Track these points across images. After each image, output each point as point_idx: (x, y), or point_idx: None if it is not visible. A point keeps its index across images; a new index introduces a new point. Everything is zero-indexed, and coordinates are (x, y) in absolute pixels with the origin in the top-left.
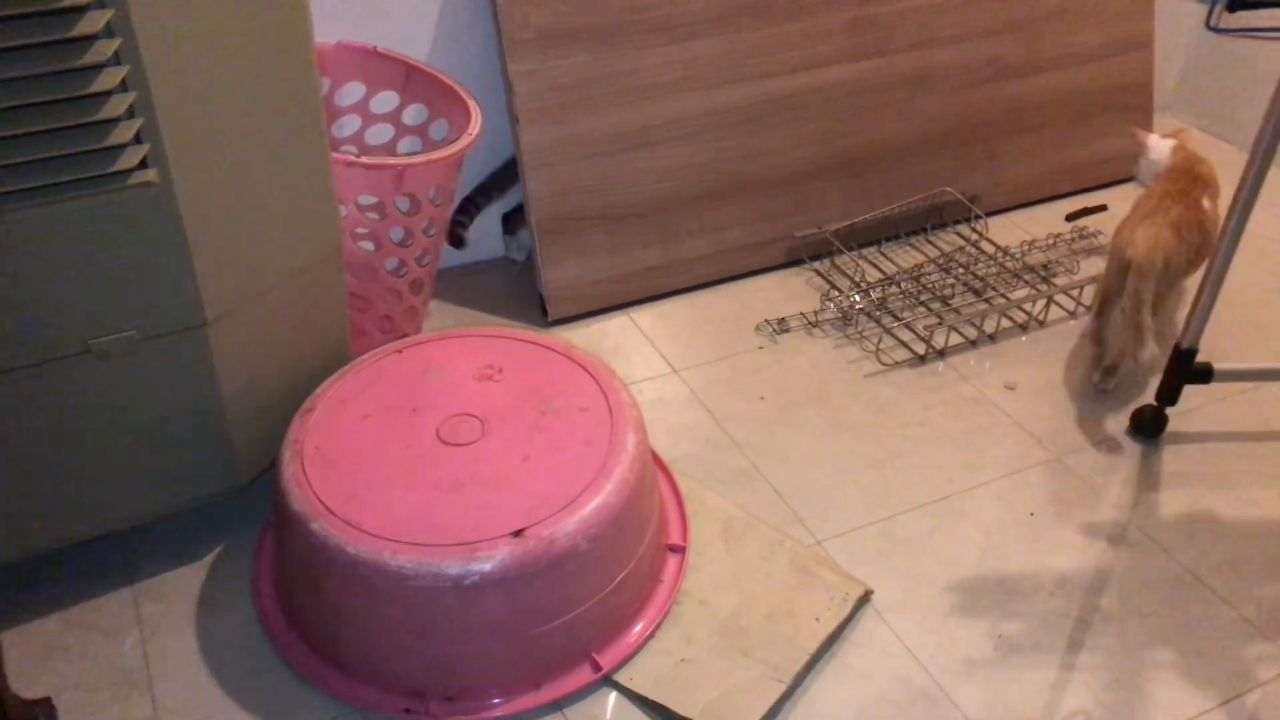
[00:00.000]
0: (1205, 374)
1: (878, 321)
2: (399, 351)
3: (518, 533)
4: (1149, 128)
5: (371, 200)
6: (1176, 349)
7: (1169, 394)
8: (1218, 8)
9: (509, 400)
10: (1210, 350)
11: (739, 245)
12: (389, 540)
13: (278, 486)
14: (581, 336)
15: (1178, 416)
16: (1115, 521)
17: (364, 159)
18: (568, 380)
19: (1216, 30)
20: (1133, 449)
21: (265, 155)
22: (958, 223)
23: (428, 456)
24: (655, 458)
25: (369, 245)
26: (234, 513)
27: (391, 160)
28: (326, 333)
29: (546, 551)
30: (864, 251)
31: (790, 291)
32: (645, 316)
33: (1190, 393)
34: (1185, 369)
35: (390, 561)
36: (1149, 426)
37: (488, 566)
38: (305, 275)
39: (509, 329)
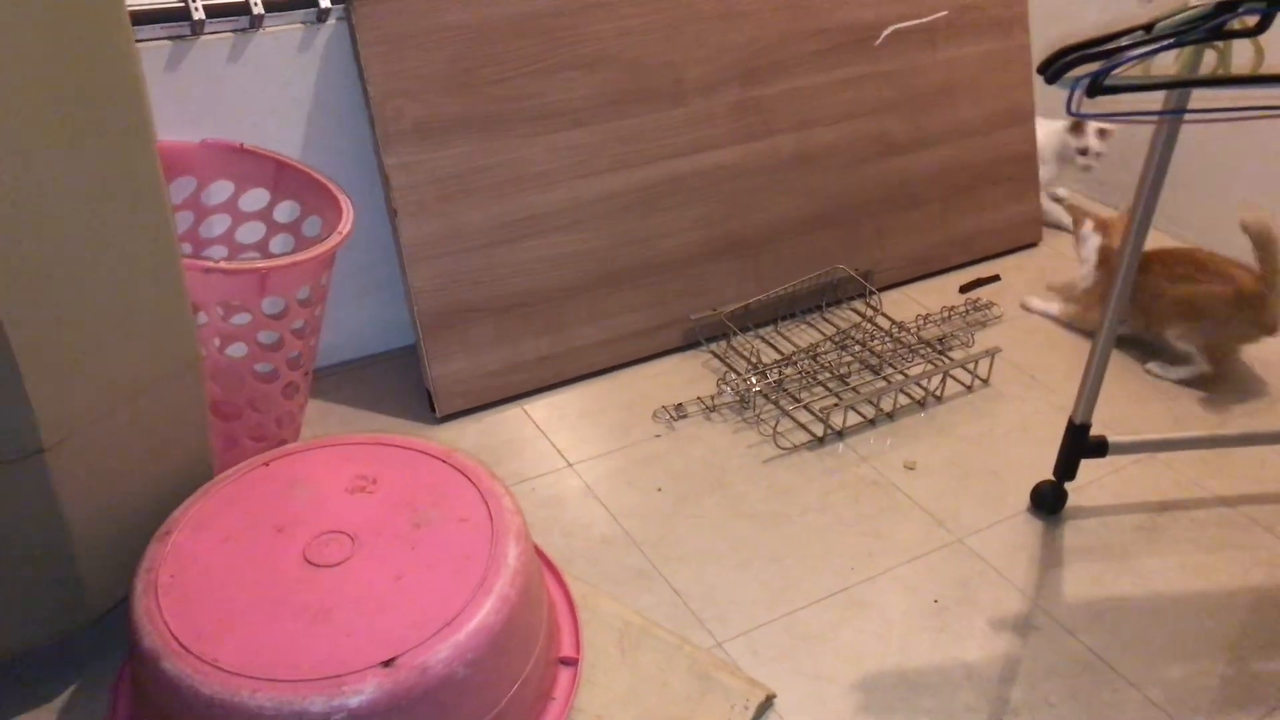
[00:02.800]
0: (1100, 448)
1: (775, 403)
2: (266, 464)
3: (388, 662)
4: (1035, 196)
5: (235, 306)
6: (1071, 424)
7: (1066, 469)
8: (1077, 93)
9: (382, 514)
10: (1113, 414)
11: (633, 331)
12: (247, 678)
13: (129, 621)
14: (473, 432)
15: (1076, 490)
16: (1020, 605)
17: (223, 264)
18: (446, 488)
19: (1077, 115)
20: (1034, 526)
21: (106, 268)
22: (852, 299)
23: (292, 581)
24: (547, 563)
25: (240, 349)
26: (93, 647)
27: (253, 264)
28: (186, 449)
29: (420, 681)
30: (761, 331)
31: (687, 376)
32: (539, 408)
33: (1087, 466)
34: (1080, 444)
35: (249, 701)
36: (1048, 502)
37: (355, 702)
38: (159, 390)
39: (384, 434)
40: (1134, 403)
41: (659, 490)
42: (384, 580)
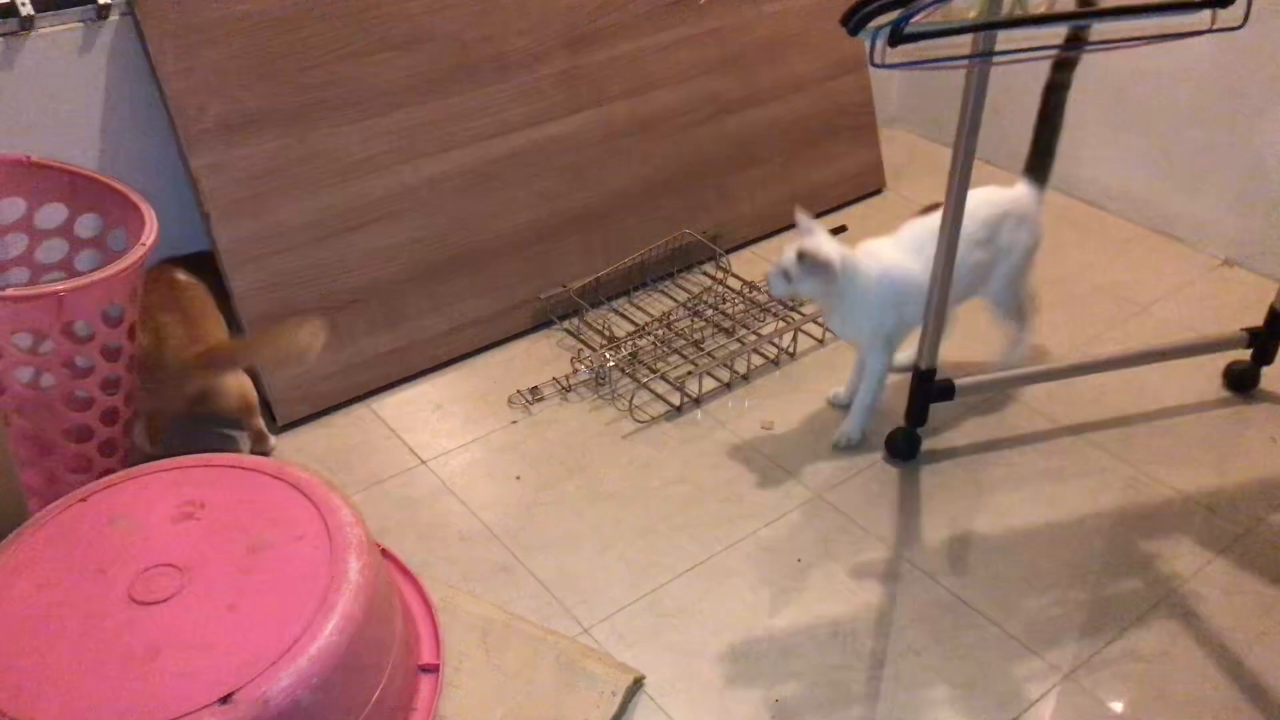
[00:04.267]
0: (948, 391)
1: (632, 376)
2: (83, 500)
3: (225, 698)
4: (875, 143)
5: (35, 333)
6: (916, 370)
7: (917, 415)
8: (879, 44)
9: (211, 541)
10: (965, 354)
11: (479, 317)
12: None
13: None
14: (319, 438)
15: (930, 435)
16: (881, 555)
17: (10, 291)
18: (280, 506)
19: (881, 66)
20: (890, 474)
21: None
22: (703, 262)
23: (118, 623)
24: (401, 569)
25: (48, 379)
26: None
27: (46, 287)
28: None
29: (262, 714)
30: (613, 304)
31: (541, 357)
32: (387, 406)
33: (938, 409)
34: (927, 389)
35: None
36: (902, 449)
37: None
38: None
39: (211, 454)
40: (981, 342)
41: (517, 479)
42: (217, 611)
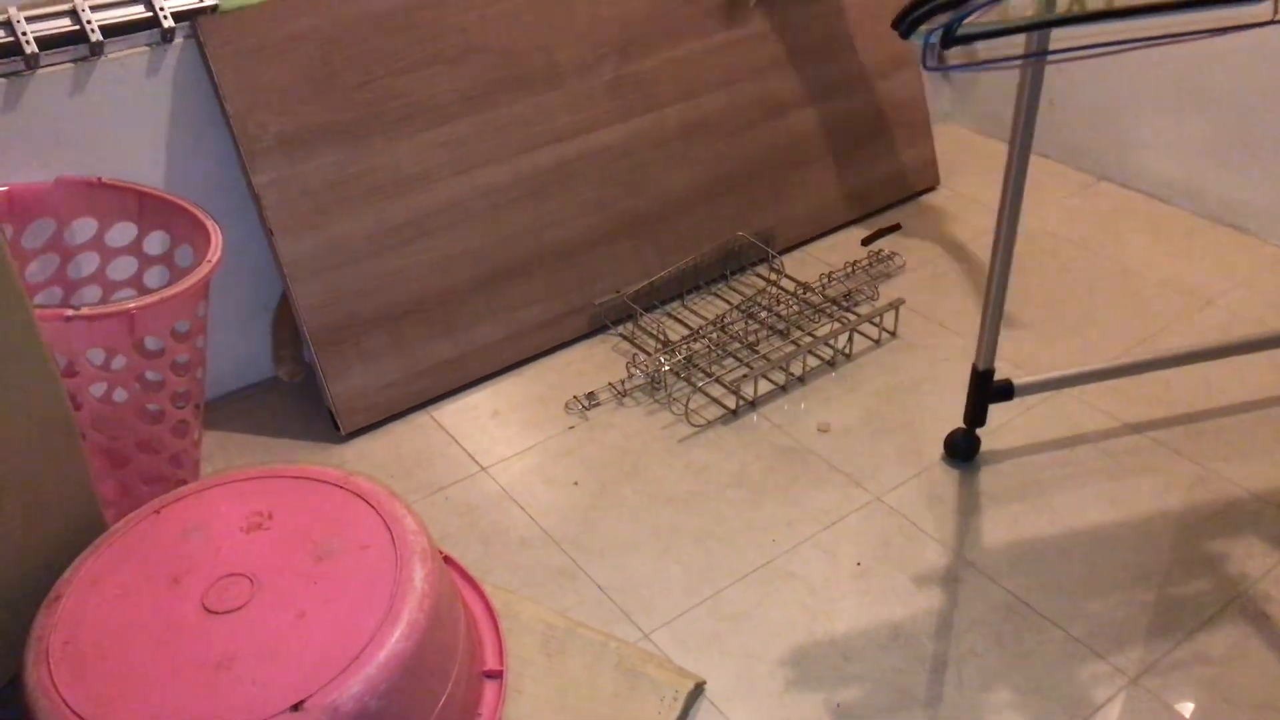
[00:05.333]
0: (1006, 391)
1: (687, 380)
2: (157, 512)
3: (297, 706)
4: (928, 140)
5: (108, 350)
6: (975, 371)
7: (975, 416)
8: (932, 45)
9: (280, 550)
10: (1024, 352)
11: (535, 323)
12: None
13: (22, 697)
14: (381, 446)
15: (989, 435)
16: (941, 558)
17: (85, 310)
18: (345, 515)
19: (935, 69)
20: (950, 475)
21: None
22: (756, 264)
23: (192, 632)
24: (464, 575)
25: (121, 394)
26: None
27: (118, 306)
28: (70, 508)
29: None
30: (667, 308)
31: (597, 362)
32: (447, 413)
33: (997, 409)
34: (986, 390)
35: None
36: (961, 450)
37: None
38: (27, 451)
39: (278, 465)
40: (1039, 340)
41: (576, 484)
42: (287, 620)
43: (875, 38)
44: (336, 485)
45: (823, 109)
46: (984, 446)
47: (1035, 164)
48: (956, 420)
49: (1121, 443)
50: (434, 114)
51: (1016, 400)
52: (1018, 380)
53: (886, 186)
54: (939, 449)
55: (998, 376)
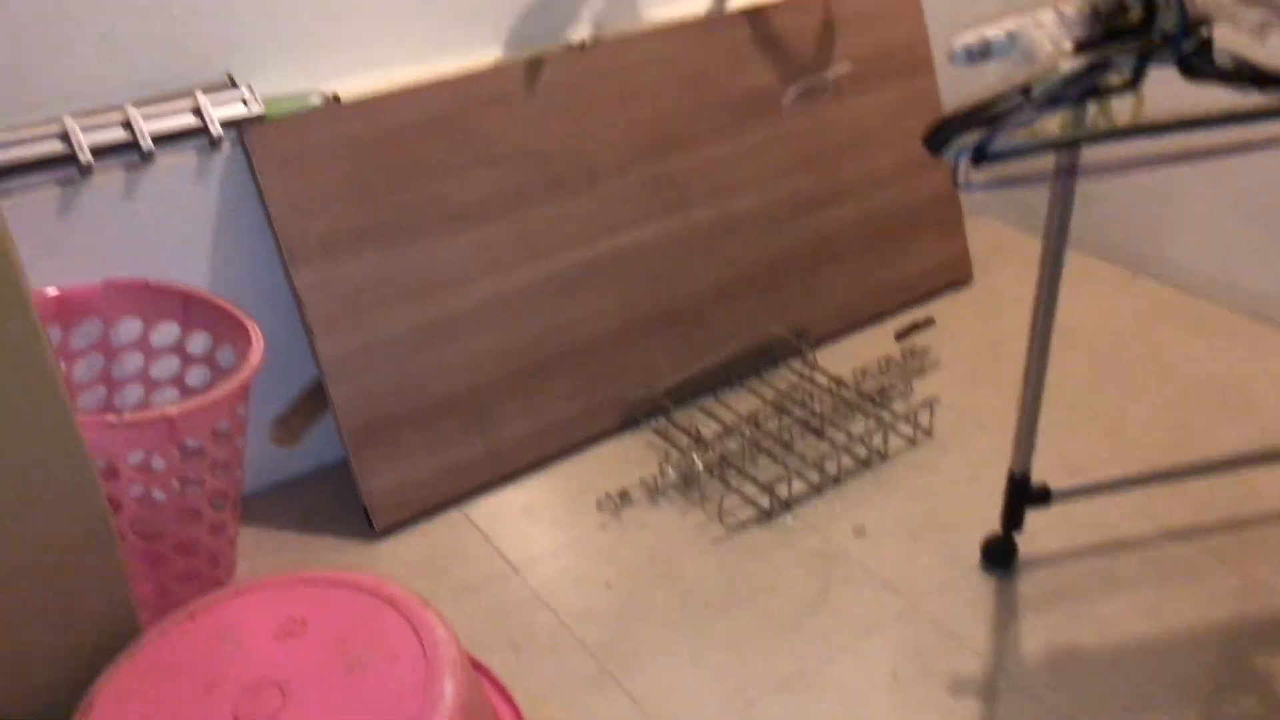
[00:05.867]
0: (1044, 496)
1: (721, 478)
2: (191, 618)
3: None
4: (961, 234)
5: (148, 453)
6: (1011, 475)
7: (1012, 521)
8: (963, 162)
9: (313, 659)
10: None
11: (568, 419)
12: None
13: None
14: (413, 544)
15: (1027, 539)
16: (979, 669)
17: (128, 416)
18: (377, 624)
19: (967, 188)
20: (987, 582)
21: None
22: (789, 358)
23: None
24: (494, 683)
25: (159, 494)
26: None
27: (160, 412)
28: (105, 612)
29: None
30: (700, 403)
31: (629, 458)
32: (479, 510)
33: (1035, 512)
34: (1022, 496)
35: None
36: (999, 557)
37: None
38: (63, 558)
39: (312, 570)
40: (1077, 441)
41: (608, 587)
42: None
43: (906, 135)
44: (369, 592)
45: (854, 204)
46: (1022, 551)
47: (1070, 258)
48: (993, 523)
49: (1163, 550)
50: (471, 215)
51: (1054, 506)
52: (1056, 485)
53: (919, 281)
54: (976, 553)
55: (1035, 479)
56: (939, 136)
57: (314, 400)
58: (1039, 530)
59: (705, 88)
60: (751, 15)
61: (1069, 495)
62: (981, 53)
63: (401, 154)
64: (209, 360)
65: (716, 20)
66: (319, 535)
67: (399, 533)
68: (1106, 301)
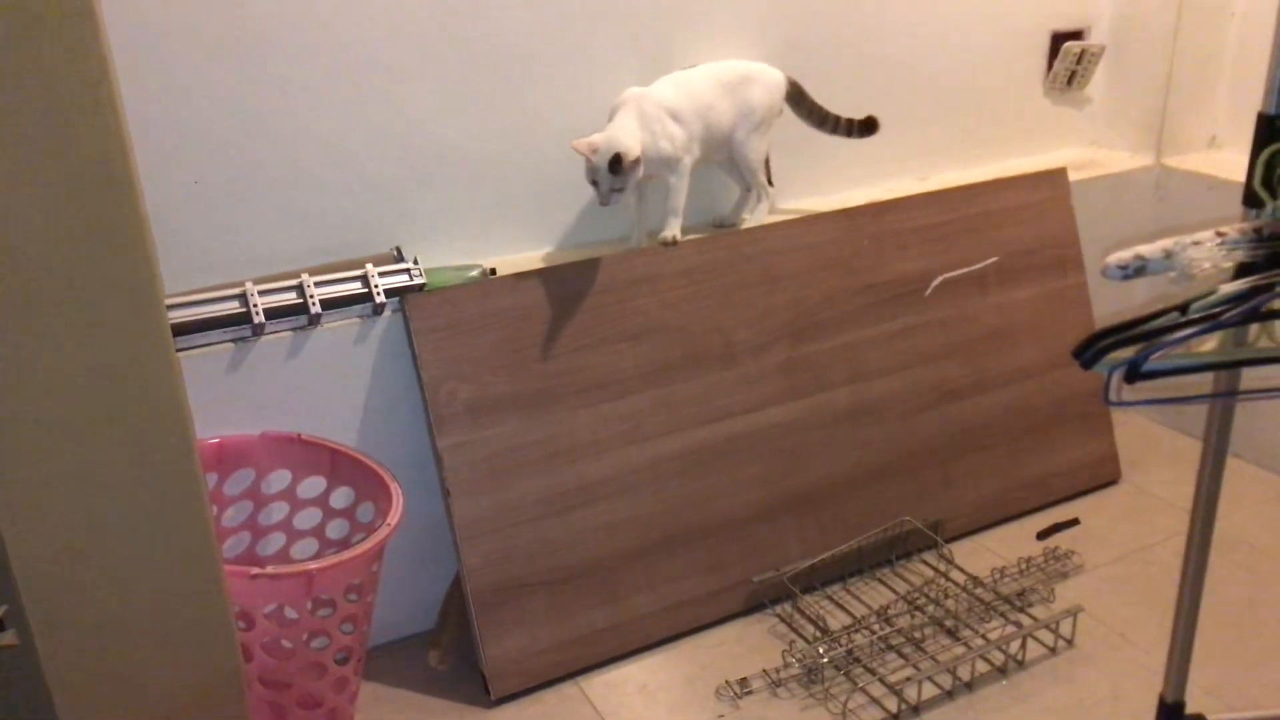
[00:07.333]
0: None
1: (846, 674)
2: None
3: None
4: (1109, 431)
5: (279, 606)
6: (1162, 702)
7: None
8: (1115, 378)
9: None
10: (1218, 680)
11: (692, 597)
12: None
13: None
14: (528, 716)
15: None
16: None
17: (269, 569)
18: None
19: (1118, 405)
20: None
21: (145, 585)
22: (923, 550)
23: None
24: None
25: (288, 644)
26: None
27: (300, 567)
28: None
29: None
30: (828, 590)
31: (751, 644)
32: (596, 686)
33: None
34: None
35: None
36: None
37: None
38: (197, 705)
39: None
40: (1234, 666)
41: None
42: None
43: (1053, 329)
44: None
45: (997, 396)
46: None
47: (1228, 465)
48: None
49: None
50: (613, 387)
51: None
52: (1212, 717)
53: (1064, 478)
54: None
55: (1189, 708)
56: (1090, 351)
57: (452, 611)
58: None
59: (849, 273)
60: (897, 205)
61: None
62: (1136, 270)
63: (552, 326)
64: (349, 514)
65: (862, 209)
66: (436, 697)
67: (514, 701)
68: (1268, 513)
